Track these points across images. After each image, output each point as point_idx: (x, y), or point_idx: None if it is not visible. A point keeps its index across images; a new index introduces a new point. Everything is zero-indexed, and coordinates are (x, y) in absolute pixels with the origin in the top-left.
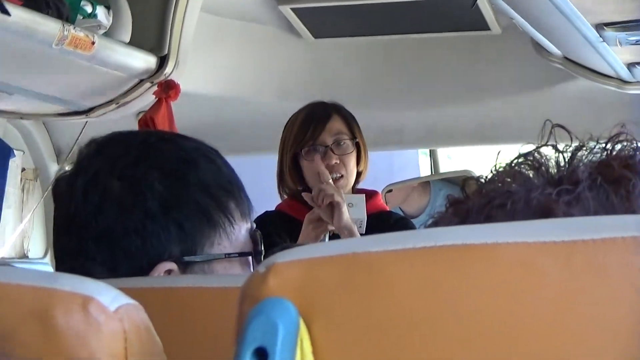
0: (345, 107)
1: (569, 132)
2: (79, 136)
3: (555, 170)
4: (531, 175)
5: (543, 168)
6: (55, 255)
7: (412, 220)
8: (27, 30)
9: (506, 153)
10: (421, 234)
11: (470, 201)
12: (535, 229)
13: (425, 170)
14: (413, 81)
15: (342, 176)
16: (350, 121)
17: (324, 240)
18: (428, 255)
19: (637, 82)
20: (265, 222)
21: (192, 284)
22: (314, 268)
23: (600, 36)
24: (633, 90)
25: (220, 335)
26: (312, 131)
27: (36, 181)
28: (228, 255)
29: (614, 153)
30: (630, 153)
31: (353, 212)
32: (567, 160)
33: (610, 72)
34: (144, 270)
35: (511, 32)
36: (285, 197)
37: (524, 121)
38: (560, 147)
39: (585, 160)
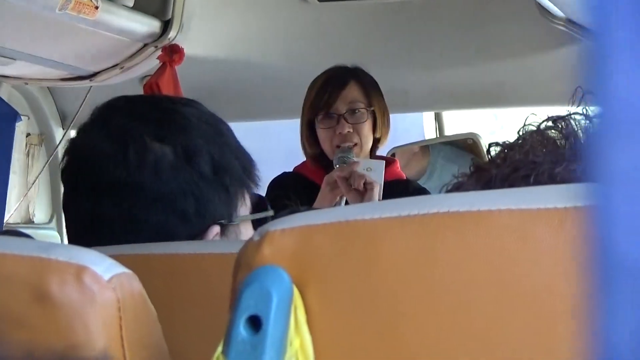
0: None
1: None
2: (83, 101)
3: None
4: (559, 143)
5: (572, 137)
6: (82, 222)
7: None
8: None
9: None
10: (416, 202)
11: (494, 168)
12: (528, 196)
13: (430, 134)
14: (417, 44)
15: (355, 144)
16: (368, 88)
17: (339, 203)
18: (422, 222)
19: None
20: (282, 184)
21: (190, 251)
22: (308, 236)
23: None
24: None
25: (217, 302)
26: (327, 98)
27: (41, 146)
28: (256, 217)
29: None
30: None
31: (371, 176)
32: None
33: None
34: (196, 233)
35: None
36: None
37: (528, 83)
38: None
39: None
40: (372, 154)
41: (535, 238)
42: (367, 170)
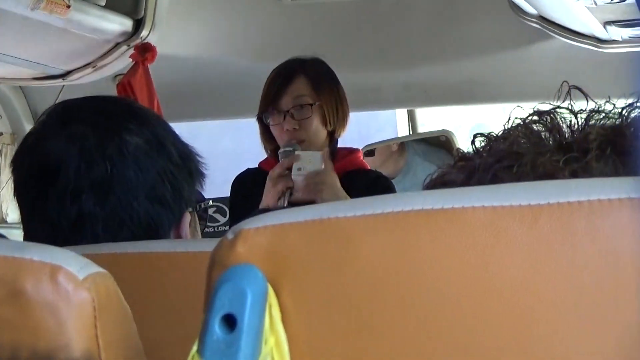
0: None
1: (585, 94)
2: (56, 99)
3: (569, 134)
4: (543, 136)
5: (555, 131)
6: (58, 225)
7: None
8: None
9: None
10: (390, 200)
11: (478, 158)
12: (501, 193)
13: (403, 131)
14: (389, 41)
15: (303, 141)
16: (317, 81)
17: (283, 198)
18: (396, 220)
19: (613, 40)
20: (243, 181)
21: (164, 249)
22: (283, 234)
23: None
24: (609, 49)
25: (192, 301)
26: (274, 94)
27: (14, 145)
28: (208, 206)
29: (629, 120)
30: None
31: (310, 168)
32: (580, 124)
33: (586, 31)
34: (178, 220)
35: None
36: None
37: (501, 80)
38: (577, 109)
39: (599, 125)
40: (332, 149)
41: (509, 235)
42: (308, 162)
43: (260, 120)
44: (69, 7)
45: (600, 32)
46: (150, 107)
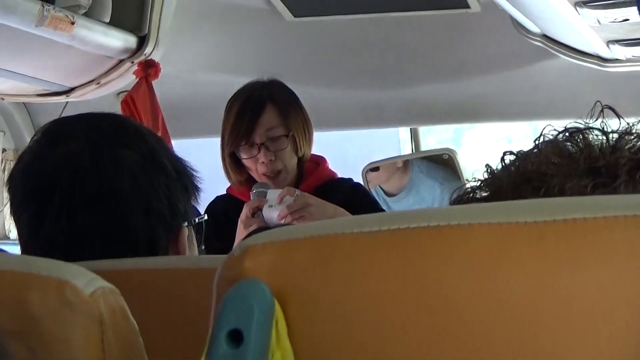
0: (320, 85)
1: (617, 113)
2: (60, 116)
3: (599, 155)
4: (573, 157)
5: (587, 152)
6: (71, 236)
7: (391, 198)
8: (6, 10)
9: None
10: (396, 216)
11: (507, 177)
12: (507, 209)
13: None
14: (393, 60)
15: (280, 171)
16: (285, 108)
17: None
18: (403, 236)
19: (616, 60)
20: (213, 210)
21: (168, 266)
22: (289, 250)
23: (579, 14)
24: (612, 68)
25: (197, 317)
26: (246, 128)
27: None
28: (201, 219)
29: None
30: None
31: (275, 209)
32: (611, 145)
33: (590, 50)
34: (175, 234)
35: (490, 10)
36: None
37: (504, 99)
38: (609, 128)
39: (630, 147)
40: (299, 171)
41: (515, 252)
42: (269, 207)
43: (231, 155)
44: (73, 23)
45: (603, 51)
46: (154, 124)
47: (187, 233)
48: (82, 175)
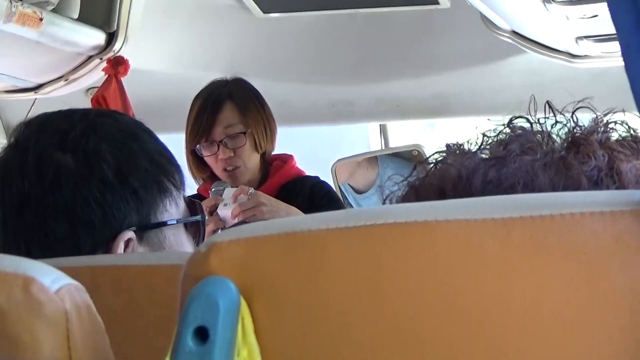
0: (290, 81)
1: (552, 108)
2: (28, 113)
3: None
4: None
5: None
6: (4, 237)
7: (360, 195)
8: None
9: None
10: (362, 213)
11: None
12: (474, 206)
13: (375, 145)
14: (362, 56)
15: (238, 167)
16: (244, 106)
17: None
18: (368, 233)
19: (586, 56)
20: None
21: (137, 262)
22: (255, 247)
23: (548, 10)
24: (581, 64)
25: (165, 314)
26: (205, 125)
27: None
28: (180, 221)
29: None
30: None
31: (229, 208)
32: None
33: (559, 46)
34: (106, 241)
35: (460, 6)
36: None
37: (473, 94)
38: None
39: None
40: (263, 168)
41: (482, 248)
42: (224, 205)
43: (192, 153)
44: (41, 19)
45: (572, 47)
46: None
47: (129, 237)
48: (10, 179)
